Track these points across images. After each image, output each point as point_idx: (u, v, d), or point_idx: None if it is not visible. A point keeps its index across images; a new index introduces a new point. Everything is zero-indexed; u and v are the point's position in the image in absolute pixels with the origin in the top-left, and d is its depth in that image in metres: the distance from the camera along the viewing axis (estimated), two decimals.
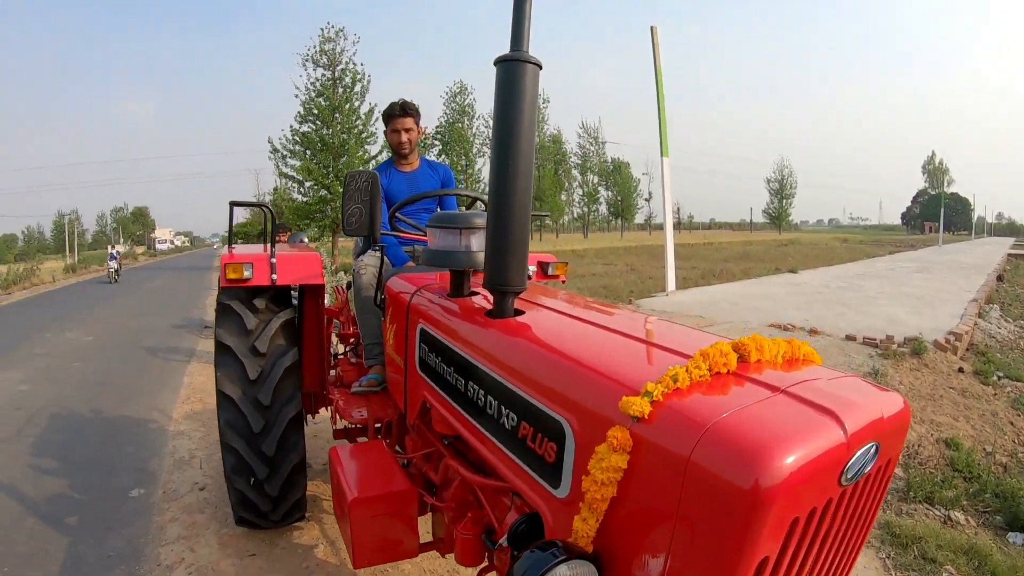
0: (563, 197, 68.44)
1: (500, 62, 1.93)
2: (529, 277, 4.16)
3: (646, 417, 1.39)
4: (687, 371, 1.46)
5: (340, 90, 30.16)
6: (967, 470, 5.35)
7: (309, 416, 4.75)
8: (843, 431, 1.29)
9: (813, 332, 9.87)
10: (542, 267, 4.26)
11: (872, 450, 1.38)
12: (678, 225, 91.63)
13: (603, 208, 78.39)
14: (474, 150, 57.45)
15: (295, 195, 32.14)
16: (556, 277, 4.28)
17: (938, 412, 6.92)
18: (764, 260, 29.64)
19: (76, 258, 52.63)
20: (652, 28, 14.45)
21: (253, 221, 51.62)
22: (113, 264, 29.10)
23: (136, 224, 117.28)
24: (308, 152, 30.17)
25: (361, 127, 30.63)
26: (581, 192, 73.46)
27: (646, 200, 78.20)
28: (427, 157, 4.44)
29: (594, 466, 1.45)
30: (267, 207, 4.00)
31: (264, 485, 3.68)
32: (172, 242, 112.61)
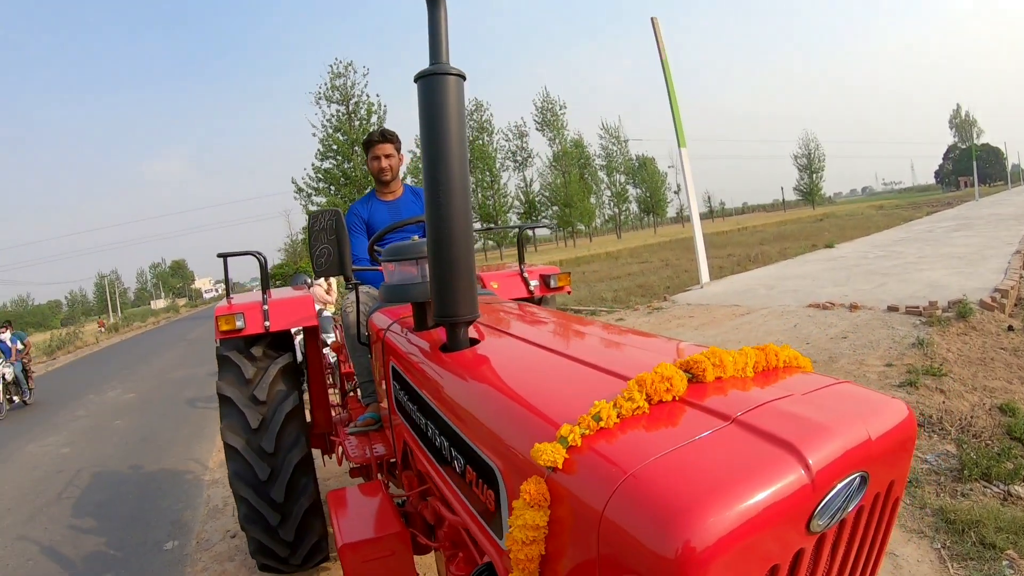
0: (592, 200, 68.08)
1: (420, 78, 1.81)
2: (532, 294, 4.06)
3: (560, 467, 1.19)
4: (615, 405, 1.25)
5: (356, 123, 30.52)
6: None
7: (326, 456, 4.74)
8: (804, 470, 1.04)
9: (853, 307, 9.55)
10: (544, 280, 4.12)
11: (856, 482, 1.12)
12: (710, 214, 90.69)
13: (633, 206, 77.88)
14: (497, 164, 57.66)
15: None
16: (560, 289, 4.15)
17: (990, 377, 6.57)
18: (800, 238, 29.00)
19: (119, 316, 53.79)
20: (653, 20, 14.26)
21: (288, 262, 52.49)
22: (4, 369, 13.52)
23: (176, 277, 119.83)
24: (332, 188, 30.54)
25: None
26: (610, 193, 72.92)
27: (675, 193, 77.41)
28: (411, 184, 4.34)
29: (513, 523, 1.25)
30: (258, 254, 3.92)
31: (278, 531, 3.65)
32: (216, 290, 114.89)
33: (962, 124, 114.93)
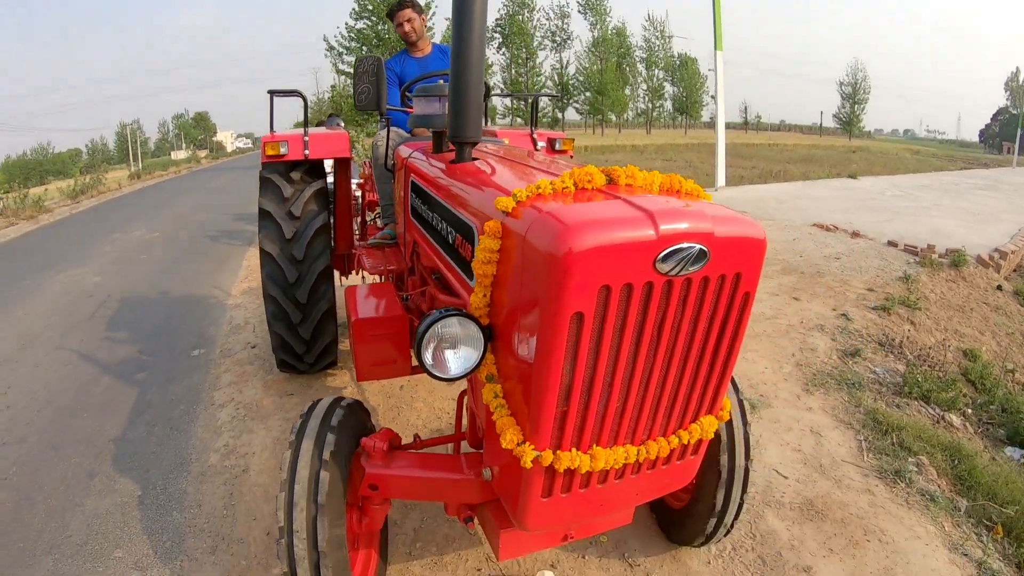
0: (627, 92, 66.49)
1: None
2: (537, 148, 4.60)
3: (510, 212, 1.82)
4: (551, 183, 1.87)
5: None
6: (980, 381, 5.40)
7: (344, 277, 5.31)
8: (654, 228, 1.64)
9: (855, 235, 9.79)
10: (550, 142, 4.72)
11: (695, 252, 1.70)
12: (744, 124, 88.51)
13: (668, 105, 75.98)
14: (535, 43, 55.96)
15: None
16: (564, 152, 4.76)
17: (964, 324, 6.92)
18: (827, 164, 28.72)
19: (140, 166, 53.72)
20: None
21: (321, 111, 52.14)
22: None
23: (198, 129, 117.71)
24: (364, 49, 29.99)
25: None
26: (646, 87, 71.05)
27: (712, 98, 75.44)
28: (439, 43, 4.93)
29: (478, 250, 1.89)
30: (301, 93, 4.31)
31: (298, 328, 4.31)
32: (238, 144, 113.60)
33: (1017, 89, 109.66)
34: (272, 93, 4.34)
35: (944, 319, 6.81)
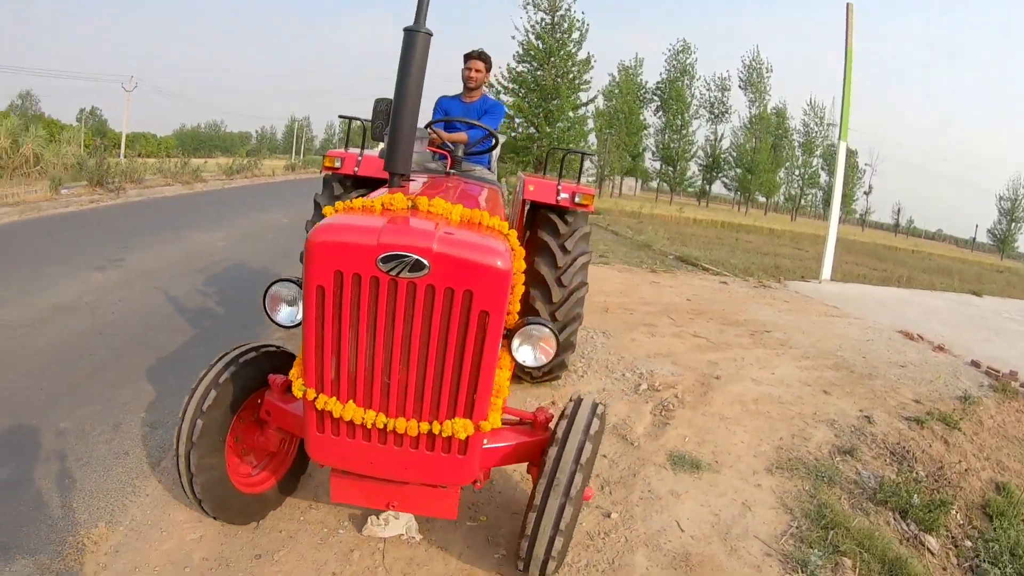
0: (781, 174, 64.29)
1: (405, 31, 2.69)
2: (557, 203, 4.96)
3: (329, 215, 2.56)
4: (364, 201, 2.58)
5: (557, 34, 30.50)
6: (998, 517, 4.71)
7: None
8: (377, 236, 2.27)
9: (938, 348, 9.14)
10: (572, 195, 4.95)
11: (412, 260, 2.24)
12: (896, 227, 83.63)
13: (820, 194, 72.50)
14: (690, 111, 55.36)
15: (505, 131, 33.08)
16: (584, 207, 5.01)
17: (1013, 458, 6.28)
18: (960, 278, 26.67)
19: (300, 158, 57.33)
20: (848, 6, 13.49)
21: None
22: None
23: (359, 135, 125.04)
24: (521, 91, 31.01)
25: (576, 73, 30.84)
26: (798, 172, 68.22)
27: (865, 194, 72.07)
28: (489, 95, 5.41)
29: None
30: (363, 120, 5.23)
31: None
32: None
33: None
34: (342, 117, 5.57)
35: (991, 448, 6.19)
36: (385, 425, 2.52)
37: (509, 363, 2.84)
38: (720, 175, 61.94)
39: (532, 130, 30.67)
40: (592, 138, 42.63)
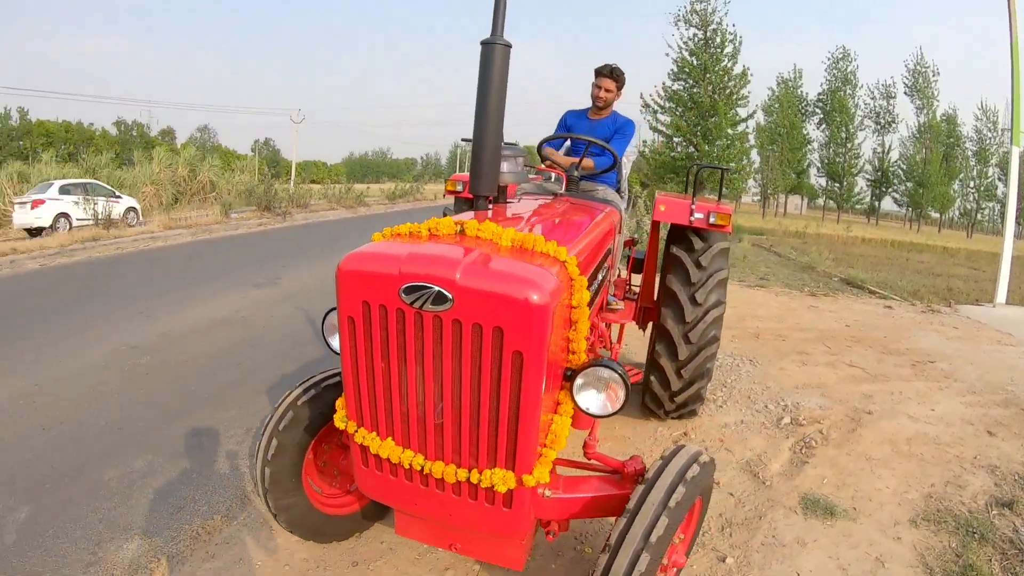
0: (956, 187, 58.80)
1: (483, 44, 2.62)
2: (690, 223, 4.63)
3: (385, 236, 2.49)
4: (409, 229, 2.45)
5: (711, 50, 29.52)
6: None
7: None
8: (398, 265, 2.13)
9: None
10: (707, 214, 4.58)
11: (434, 293, 2.07)
12: None
13: (997, 207, 65.23)
14: (855, 123, 52.01)
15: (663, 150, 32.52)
16: (719, 227, 4.59)
17: None
18: None
19: None
20: None
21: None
22: None
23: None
24: (679, 109, 30.30)
25: (732, 88, 29.85)
26: (973, 184, 60.87)
27: None
28: (619, 112, 5.10)
29: None
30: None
31: None
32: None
33: None
34: (465, 140, 5.30)
35: None
36: (423, 467, 2.39)
37: (571, 409, 2.52)
38: (889, 190, 57.64)
39: (691, 149, 29.94)
40: (754, 155, 40.98)
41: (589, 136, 4.63)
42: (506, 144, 3.33)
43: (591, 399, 2.45)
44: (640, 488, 2.45)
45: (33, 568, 3.40)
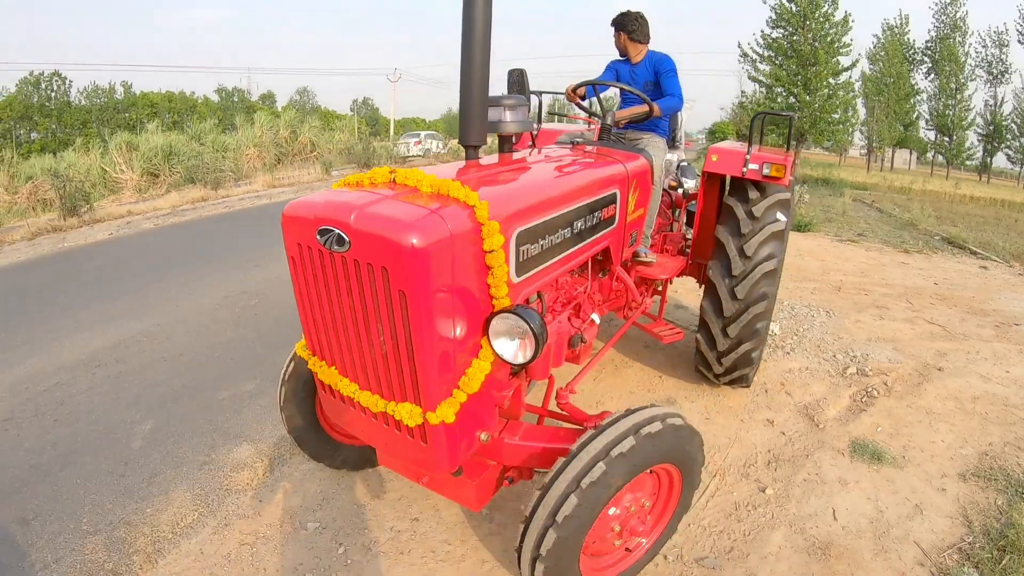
0: None
1: None
2: (743, 174, 4.38)
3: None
4: (360, 177, 2.64)
5: None
6: None
7: None
8: (314, 213, 2.35)
9: None
10: (761, 166, 4.27)
11: (336, 235, 2.26)
12: None
13: None
14: (965, 72, 48.07)
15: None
16: (775, 179, 4.22)
17: None
18: None
19: None
20: None
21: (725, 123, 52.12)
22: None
23: None
24: (778, 58, 29.08)
25: (834, 36, 28.30)
26: None
27: None
28: (655, 51, 4.80)
29: None
30: (551, 93, 5.07)
31: None
32: None
33: None
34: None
35: None
36: (353, 395, 2.58)
37: (491, 355, 2.47)
38: (1002, 146, 53.52)
39: (792, 99, 28.74)
40: (860, 107, 38.73)
41: (630, 85, 4.59)
42: (512, 95, 3.37)
43: (504, 345, 2.44)
44: (589, 433, 2.50)
45: (155, 467, 4.10)
